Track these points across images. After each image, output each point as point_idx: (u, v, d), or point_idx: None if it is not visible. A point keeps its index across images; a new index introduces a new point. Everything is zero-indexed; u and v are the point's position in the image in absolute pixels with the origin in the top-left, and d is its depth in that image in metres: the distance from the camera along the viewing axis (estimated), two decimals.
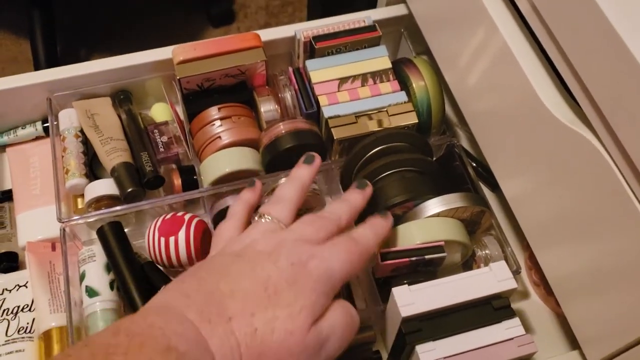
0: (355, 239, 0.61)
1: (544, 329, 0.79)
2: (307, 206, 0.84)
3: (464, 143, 0.93)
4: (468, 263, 0.80)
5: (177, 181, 0.84)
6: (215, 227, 0.81)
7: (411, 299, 0.66)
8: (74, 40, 1.68)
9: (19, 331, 0.75)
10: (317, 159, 0.69)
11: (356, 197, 0.67)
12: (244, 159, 0.83)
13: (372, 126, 0.80)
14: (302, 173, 0.68)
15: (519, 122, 0.63)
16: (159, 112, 0.92)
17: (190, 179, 0.84)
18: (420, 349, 0.65)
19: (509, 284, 0.68)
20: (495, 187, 0.90)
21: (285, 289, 0.53)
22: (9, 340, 0.74)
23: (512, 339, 0.66)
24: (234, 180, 0.82)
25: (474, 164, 0.90)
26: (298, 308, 0.53)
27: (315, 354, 0.54)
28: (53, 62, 1.52)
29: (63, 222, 0.78)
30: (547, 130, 0.58)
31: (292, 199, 0.65)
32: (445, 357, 0.65)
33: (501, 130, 0.67)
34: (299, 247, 0.57)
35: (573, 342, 0.78)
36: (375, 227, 0.65)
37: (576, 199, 0.57)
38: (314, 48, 0.84)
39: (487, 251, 0.78)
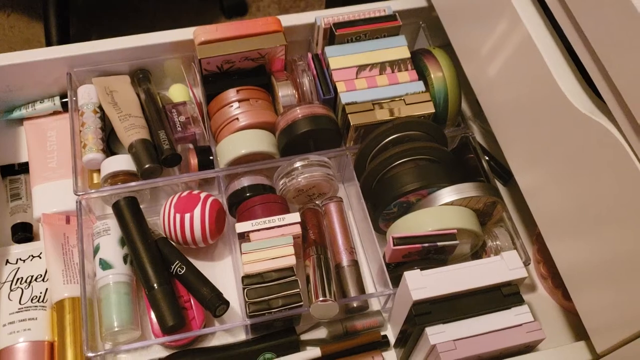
0: None
1: (549, 321, 0.80)
2: (320, 191, 0.85)
3: (477, 137, 0.94)
4: (477, 254, 0.81)
5: (194, 160, 0.84)
6: (229, 208, 0.82)
7: (423, 283, 0.67)
8: (86, 24, 1.69)
9: (32, 300, 0.76)
10: None
11: None
12: (260, 141, 0.83)
13: (389, 114, 0.81)
14: None
15: (538, 113, 0.64)
16: (177, 92, 0.93)
17: (207, 159, 0.85)
18: (430, 330, 0.66)
19: (520, 272, 0.69)
20: (506, 181, 0.91)
21: None
22: (22, 308, 0.75)
23: (520, 325, 0.67)
24: (250, 162, 0.83)
25: (487, 158, 0.90)
26: None
27: None
28: (65, 43, 1.52)
29: (79, 195, 0.79)
30: (567, 121, 0.59)
31: None
32: (454, 340, 0.66)
33: (519, 121, 0.68)
34: None
35: (578, 335, 0.79)
36: None
37: (593, 189, 0.58)
38: (334, 34, 0.85)
39: (497, 242, 0.79)
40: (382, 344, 0.77)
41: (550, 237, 0.67)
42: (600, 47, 0.52)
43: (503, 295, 0.68)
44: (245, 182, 0.83)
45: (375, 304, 0.81)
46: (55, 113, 0.93)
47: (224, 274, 0.81)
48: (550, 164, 0.63)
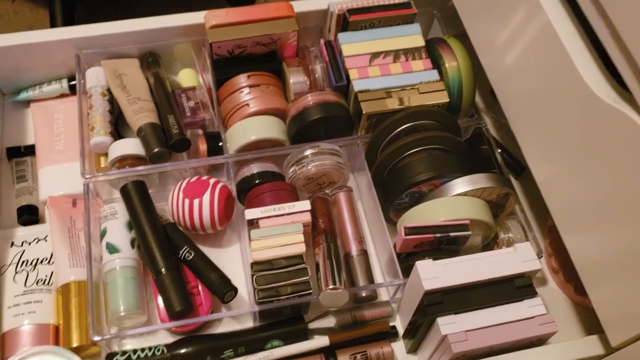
0: None
1: (559, 316, 0.79)
2: (330, 180, 0.84)
3: (489, 129, 0.93)
4: (489, 246, 0.80)
5: (203, 146, 0.83)
6: (238, 194, 0.81)
7: (434, 273, 0.66)
8: (92, 10, 1.67)
9: (37, 282, 0.75)
10: None
11: None
12: (270, 128, 0.82)
13: (402, 103, 0.80)
14: None
15: (557, 102, 0.63)
16: (186, 77, 0.92)
17: (216, 145, 0.83)
18: (441, 321, 0.65)
19: (533, 264, 0.68)
20: (518, 174, 0.90)
21: None
22: (27, 290, 0.74)
23: (533, 317, 0.66)
24: (259, 149, 0.82)
25: (499, 150, 0.89)
26: None
27: None
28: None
29: (87, 178, 0.78)
30: (588, 110, 0.58)
31: None
32: (465, 331, 0.65)
33: (538, 111, 0.67)
34: None
35: (589, 330, 0.78)
36: None
37: (614, 181, 0.56)
38: (348, 21, 0.84)
39: (510, 234, 0.78)
40: (390, 334, 0.76)
41: (566, 229, 0.66)
42: (626, 33, 0.51)
43: (516, 287, 0.67)
44: (254, 169, 0.82)
45: (384, 295, 0.80)
46: (62, 96, 0.92)
47: (231, 261, 0.80)
48: (569, 155, 0.62)
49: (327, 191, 0.84)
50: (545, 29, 0.62)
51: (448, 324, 0.65)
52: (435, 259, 0.68)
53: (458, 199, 0.74)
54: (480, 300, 0.67)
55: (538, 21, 0.63)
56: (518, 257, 0.68)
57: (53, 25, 1.50)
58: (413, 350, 0.76)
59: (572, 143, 0.62)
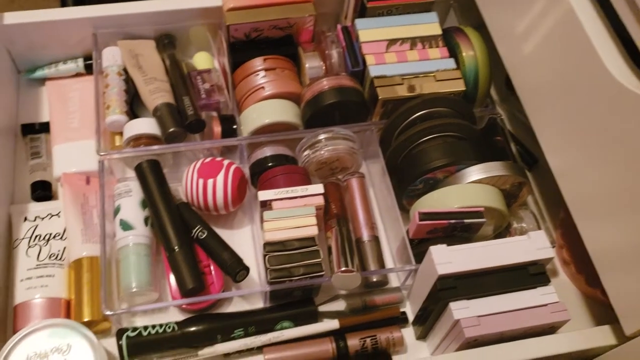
0: None
1: (569, 307, 0.77)
2: (343, 165, 0.84)
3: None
4: (501, 235, 0.80)
5: (217, 128, 0.83)
6: (251, 177, 0.81)
7: (448, 258, 0.66)
8: None
9: (50, 257, 0.75)
10: None
11: None
12: (285, 111, 0.82)
13: (418, 90, 0.80)
14: None
15: (577, 89, 0.63)
16: (202, 60, 0.92)
17: (230, 128, 0.84)
18: (453, 305, 0.65)
19: (547, 252, 0.68)
20: (531, 166, 0.90)
21: None
22: (40, 264, 0.74)
23: (545, 305, 0.66)
24: (273, 132, 0.82)
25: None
26: None
27: None
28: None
29: (102, 155, 0.78)
30: (610, 97, 0.58)
31: None
32: (478, 316, 0.65)
33: (556, 99, 0.67)
34: None
35: (599, 323, 0.78)
36: None
37: (633, 169, 0.56)
38: (365, 7, 0.84)
39: (523, 224, 0.78)
40: (401, 319, 0.76)
41: (581, 219, 0.65)
42: None
43: (529, 275, 0.67)
44: (268, 151, 0.82)
45: (393, 282, 0.80)
46: (77, 75, 0.92)
47: (242, 243, 0.80)
48: (587, 143, 0.62)
49: (339, 177, 0.84)
50: (567, 15, 0.62)
51: (461, 309, 0.65)
52: (448, 245, 0.68)
53: (472, 186, 0.74)
54: (493, 286, 0.67)
55: (560, 8, 0.63)
56: (532, 244, 0.68)
57: (63, 5, 1.50)
58: (423, 336, 0.76)
59: (592, 131, 0.61)
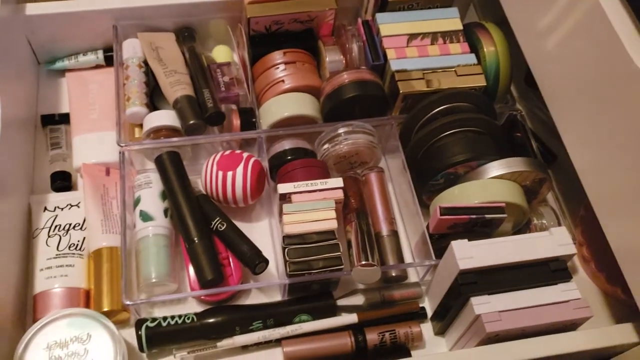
0: None
1: (590, 305, 0.78)
2: (362, 160, 0.83)
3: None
4: (521, 232, 0.80)
5: (237, 121, 0.83)
6: (270, 170, 0.81)
7: (470, 253, 0.66)
8: None
9: (69, 247, 0.75)
10: None
11: None
12: (304, 105, 0.82)
13: (439, 84, 0.80)
14: None
15: (602, 85, 0.62)
16: (221, 54, 0.92)
17: (249, 121, 0.83)
18: (475, 300, 0.65)
19: (569, 249, 0.67)
20: (550, 162, 0.89)
21: None
22: (59, 254, 0.74)
23: (567, 301, 0.66)
24: (292, 125, 0.82)
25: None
26: None
27: None
28: None
29: (122, 147, 0.78)
30: (636, 92, 0.57)
31: None
32: (499, 311, 0.64)
33: (580, 95, 0.66)
34: None
35: (619, 321, 0.77)
36: None
37: None
38: (386, 1, 0.84)
39: (543, 220, 0.78)
40: (419, 315, 0.76)
41: (605, 216, 0.65)
42: None
43: (551, 271, 0.67)
44: (286, 145, 0.82)
45: (412, 277, 0.80)
46: (97, 67, 0.92)
47: (260, 236, 0.80)
48: (612, 140, 0.62)
49: (358, 171, 0.84)
50: (593, 9, 0.62)
51: (482, 304, 0.65)
52: (468, 241, 0.68)
53: (493, 181, 0.74)
54: (514, 281, 0.66)
55: (585, 1, 0.63)
56: (554, 240, 0.68)
57: None
58: (441, 332, 0.76)
59: (617, 127, 0.61)
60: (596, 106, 0.64)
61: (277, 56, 0.85)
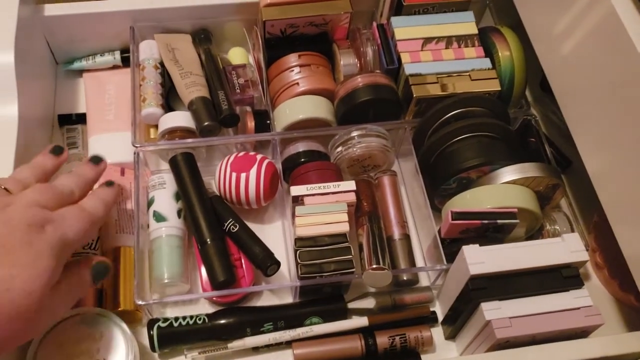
0: (85, 209, 0.61)
1: (602, 312, 0.77)
2: (375, 163, 0.84)
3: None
4: (533, 237, 0.79)
5: (251, 123, 0.84)
6: (283, 172, 0.82)
7: (481, 258, 0.66)
8: None
9: (83, 246, 0.76)
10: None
11: (88, 170, 0.67)
12: (318, 108, 0.83)
13: (453, 89, 0.80)
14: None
15: (617, 91, 0.62)
16: (237, 56, 0.93)
17: (263, 123, 0.84)
18: (485, 306, 0.65)
19: (581, 255, 0.67)
20: (564, 168, 0.89)
21: (19, 249, 0.52)
22: (74, 254, 0.75)
23: (578, 308, 0.65)
24: (306, 128, 0.82)
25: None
26: (39, 271, 0.53)
27: (52, 314, 0.56)
28: None
29: (137, 147, 0.79)
30: None
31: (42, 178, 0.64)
32: (510, 317, 0.64)
33: (594, 101, 0.66)
34: (32, 211, 0.55)
35: (632, 328, 0.77)
36: (102, 195, 0.65)
37: None
38: (402, 5, 0.84)
39: (556, 226, 0.77)
40: (430, 319, 0.76)
41: (618, 223, 0.65)
42: None
43: (563, 277, 0.67)
44: (300, 147, 0.82)
45: (423, 281, 0.80)
46: (114, 67, 0.93)
47: (272, 238, 0.80)
48: (627, 146, 0.61)
49: (371, 174, 0.84)
50: (609, 15, 0.62)
51: (492, 310, 0.65)
52: (480, 246, 0.68)
53: (506, 186, 0.74)
54: (525, 288, 0.66)
55: (601, 8, 0.63)
56: (566, 247, 0.67)
57: None
58: (452, 336, 0.76)
59: (632, 133, 0.61)
60: (610, 112, 0.64)
61: (292, 59, 0.85)
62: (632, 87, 0.59)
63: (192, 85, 0.82)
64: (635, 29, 0.59)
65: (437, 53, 0.82)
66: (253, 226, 0.80)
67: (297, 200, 0.75)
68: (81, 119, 0.88)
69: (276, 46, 0.87)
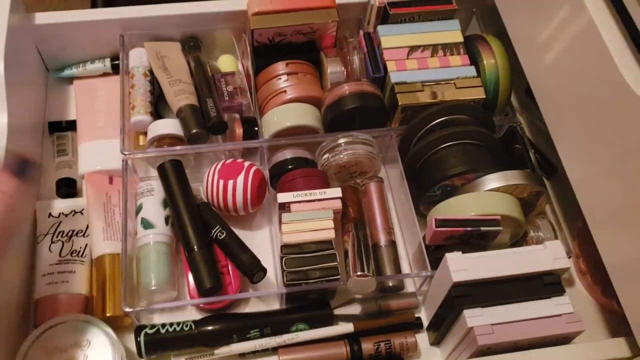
0: None
1: (585, 318, 0.77)
2: (362, 170, 0.84)
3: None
4: (517, 244, 0.80)
5: (239, 130, 0.85)
6: (270, 179, 0.82)
7: (463, 266, 0.67)
8: None
9: (71, 254, 0.77)
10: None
11: None
12: (306, 115, 0.83)
13: (438, 97, 0.80)
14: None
15: (595, 100, 0.63)
16: (226, 63, 0.93)
17: (251, 130, 0.85)
18: (467, 313, 0.66)
19: (563, 262, 0.68)
20: (549, 175, 0.89)
21: None
22: (62, 260, 0.76)
23: (560, 315, 0.66)
24: (293, 135, 0.83)
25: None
26: None
27: None
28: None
29: (126, 155, 0.80)
30: (629, 110, 0.58)
31: None
32: (492, 324, 0.65)
33: (574, 109, 0.67)
34: None
35: (614, 334, 0.78)
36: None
37: None
38: (388, 14, 0.85)
39: (540, 233, 0.78)
40: (415, 325, 0.76)
41: (597, 229, 0.66)
42: None
43: (544, 284, 0.67)
44: (288, 154, 0.83)
45: (409, 287, 0.80)
46: (104, 74, 0.94)
47: (260, 244, 0.81)
48: (605, 154, 0.62)
49: (358, 181, 0.85)
50: (588, 28, 0.63)
51: (474, 317, 0.66)
52: (464, 252, 0.68)
53: (490, 194, 0.74)
54: (507, 295, 0.67)
55: (580, 19, 0.64)
56: (548, 254, 0.68)
57: (94, 6, 1.53)
58: (437, 342, 0.76)
59: (610, 142, 0.62)
60: (590, 121, 0.65)
61: (280, 67, 0.86)
62: (609, 97, 0.60)
63: (180, 93, 0.83)
64: (613, 40, 0.60)
65: (423, 61, 0.83)
66: (241, 233, 0.81)
67: (284, 207, 0.76)
68: (71, 126, 0.89)
69: (264, 54, 0.88)
